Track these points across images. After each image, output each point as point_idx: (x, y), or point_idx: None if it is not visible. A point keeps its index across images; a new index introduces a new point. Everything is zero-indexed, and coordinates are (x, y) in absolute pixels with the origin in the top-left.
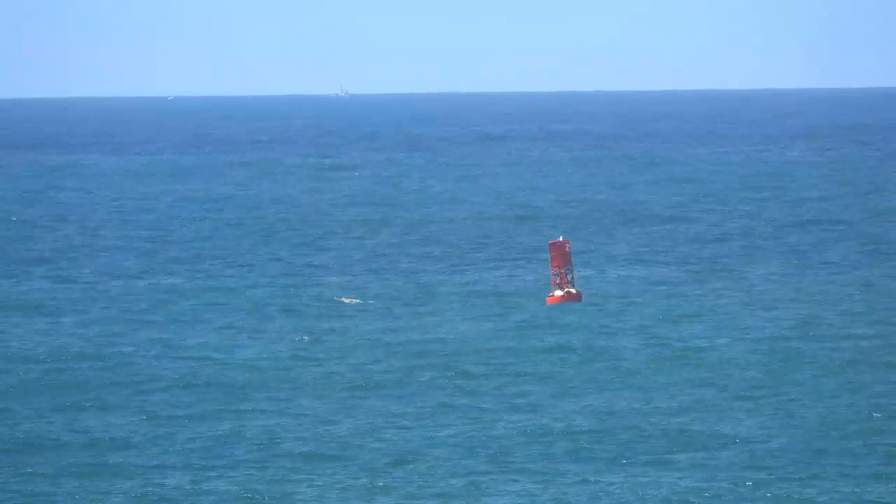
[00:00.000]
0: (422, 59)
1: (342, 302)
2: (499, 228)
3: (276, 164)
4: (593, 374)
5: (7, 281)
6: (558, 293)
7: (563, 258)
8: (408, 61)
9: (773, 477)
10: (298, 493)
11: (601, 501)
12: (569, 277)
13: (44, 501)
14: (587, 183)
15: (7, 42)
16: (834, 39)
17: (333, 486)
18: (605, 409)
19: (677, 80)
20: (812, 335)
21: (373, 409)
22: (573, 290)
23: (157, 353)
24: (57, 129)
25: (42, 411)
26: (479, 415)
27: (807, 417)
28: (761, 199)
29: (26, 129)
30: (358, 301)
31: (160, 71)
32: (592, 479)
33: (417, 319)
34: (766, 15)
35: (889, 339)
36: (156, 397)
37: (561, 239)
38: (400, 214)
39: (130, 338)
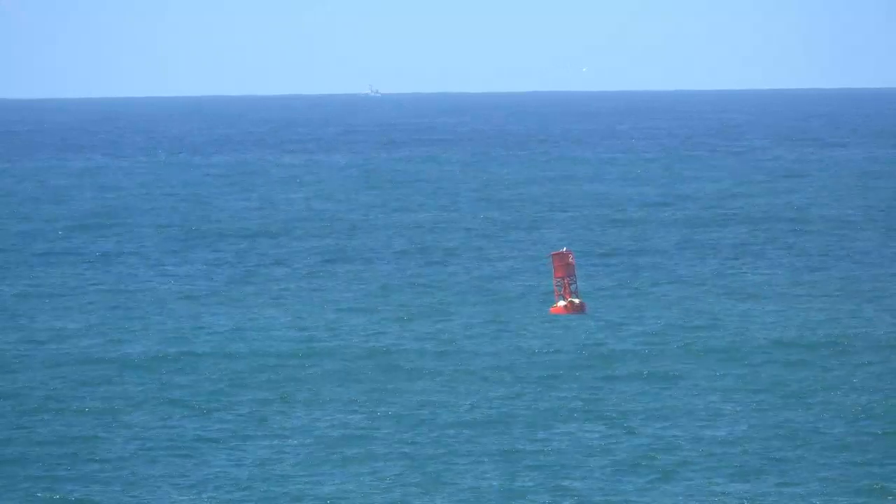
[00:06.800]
0: (440, 58)
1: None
2: (504, 233)
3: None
4: (598, 385)
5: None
6: (561, 304)
7: (565, 269)
8: (433, 61)
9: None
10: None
11: None
12: (572, 288)
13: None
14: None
15: (7, 42)
16: (834, 39)
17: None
18: (609, 421)
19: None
20: (830, 337)
21: (371, 415)
22: (576, 301)
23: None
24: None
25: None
26: (481, 424)
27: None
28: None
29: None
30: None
31: (177, 71)
32: (595, 496)
33: (418, 327)
34: (767, 15)
35: None
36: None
37: (564, 249)
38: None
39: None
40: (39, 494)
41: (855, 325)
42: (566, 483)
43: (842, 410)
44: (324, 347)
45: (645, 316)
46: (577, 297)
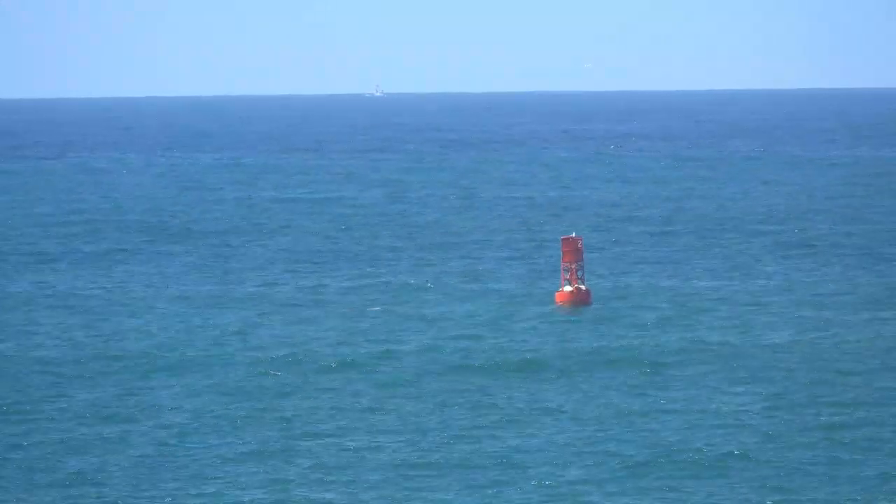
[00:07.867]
0: (441, 58)
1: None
2: (512, 223)
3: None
4: (599, 374)
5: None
6: (567, 289)
7: (574, 254)
8: (438, 60)
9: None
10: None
11: None
12: (579, 274)
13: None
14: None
15: (7, 42)
16: (834, 39)
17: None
18: (610, 415)
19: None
20: (832, 336)
21: (377, 410)
22: (582, 287)
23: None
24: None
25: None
26: (484, 417)
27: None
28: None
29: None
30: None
31: (178, 71)
32: (593, 495)
33: (422, 316)
34: (767, 15)
35: None
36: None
37: (573, 235)
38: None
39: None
40: (41, 496)
41: (858, 330)
42: (564, 482)
43: (845, 411)
44: (324, 345)
45: (647, 313)
46: (583, 283)
